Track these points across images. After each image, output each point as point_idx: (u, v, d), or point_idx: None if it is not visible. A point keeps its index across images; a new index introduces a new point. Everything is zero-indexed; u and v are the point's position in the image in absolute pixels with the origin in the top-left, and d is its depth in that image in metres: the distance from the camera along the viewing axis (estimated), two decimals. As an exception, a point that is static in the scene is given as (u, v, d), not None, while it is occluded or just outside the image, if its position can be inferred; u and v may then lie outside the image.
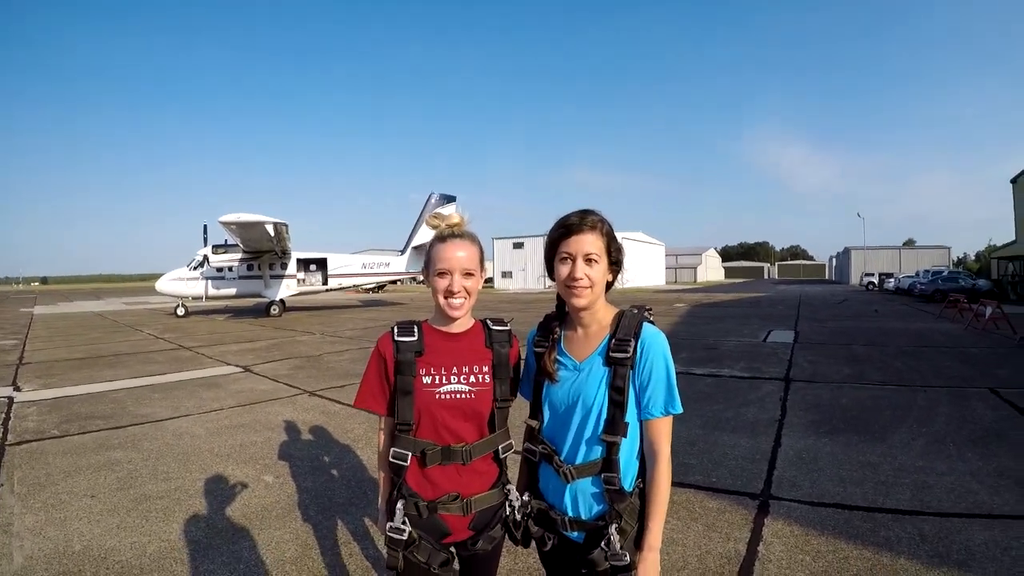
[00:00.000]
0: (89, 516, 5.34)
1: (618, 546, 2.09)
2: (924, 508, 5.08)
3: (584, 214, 2.21)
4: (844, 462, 6.26)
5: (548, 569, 2.46)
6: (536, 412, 2.37)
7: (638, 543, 2.15)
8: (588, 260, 2.16)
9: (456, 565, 2.39)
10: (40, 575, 4.31)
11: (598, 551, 2.12)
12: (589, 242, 2.16)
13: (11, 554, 4.63)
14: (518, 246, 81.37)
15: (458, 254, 2.29)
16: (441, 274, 2.29)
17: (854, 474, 5.90)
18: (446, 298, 2.29)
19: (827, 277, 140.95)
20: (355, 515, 5.24)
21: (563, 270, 2.19)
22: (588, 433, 2.18)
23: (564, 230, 2.20)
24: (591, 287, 2.17)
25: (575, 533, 2.25)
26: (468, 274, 2.31)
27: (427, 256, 2.39)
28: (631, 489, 2.19)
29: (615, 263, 2.25)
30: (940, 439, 6.99)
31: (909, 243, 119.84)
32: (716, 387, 10.40)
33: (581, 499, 2.22)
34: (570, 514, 2.24)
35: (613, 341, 2.18)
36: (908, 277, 51.80)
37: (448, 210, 2.57)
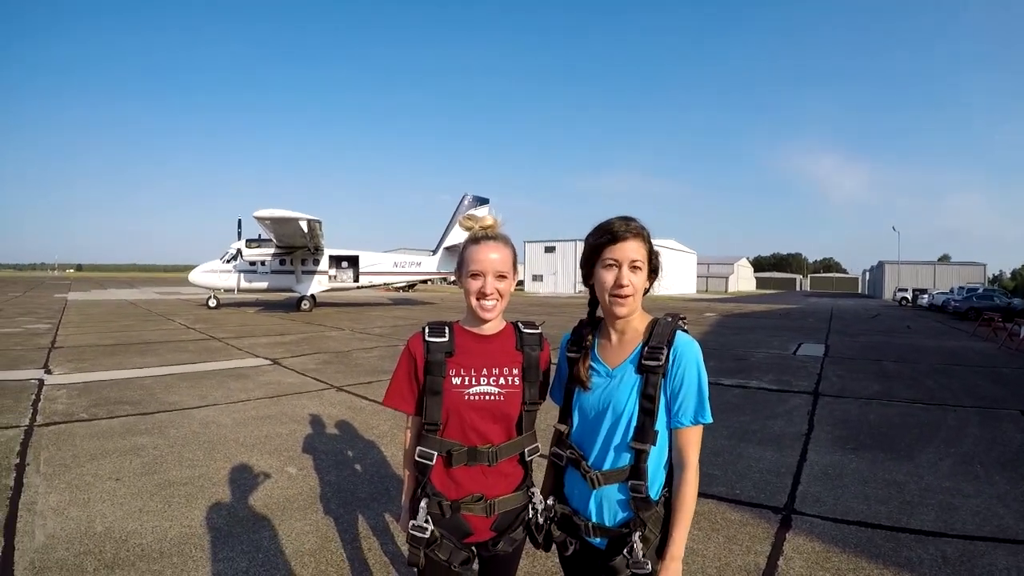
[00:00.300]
0: (113, 499, 5.42)
1: (640, 554, 2.08)
2: (948, 530, 5.01)
3: (627, 220, 2.20)
4: (869, 479, 6.19)
5: (568, 574, 2.46)
6: (566, 417, 2.37)
7: (660, 552, 2.14)
8: (633, 267, 2.16)
9: (476, 565, 2.41)
10: (61, 553, 4.37)
11: (620, 558, 2.11)
12: (634, 249, 2.16)
13: (33, 532, 4.71)
14: (550, 250, 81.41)
15: (491, 256, 2.29)
16: (474, 275, 2.29)
17: (879, 492, 5.84)
18: (479, 299, 2.29)
19: (860, 291, 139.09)
20: (376, 511, 5.27)
21: (608, 277, 2.18)
22: (617, 440, 2.18)
23: (610, 236, 2.18)
24: (634, 295, 2.17)
25: (598, 539, 2.24)
26: (501, 276, 2.31)
27: (460, 257, 2.40)
28: (657, 498, 2.18)
29: (653, 270, 2.25)
30: (968, 460, 6.89)
31: (944, 259, 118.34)
32: (744, 398, 10.33)
33: (606, 505, 2.21)
34: (594, 520, 2.24)
35: (646, 349, 2.17)
36: (942, 294, 51.18)
37: (482, 212, 2.59)
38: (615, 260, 2.16)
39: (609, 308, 2.22)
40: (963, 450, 7.32)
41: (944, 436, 7.97)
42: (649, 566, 2.09)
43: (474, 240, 2.36)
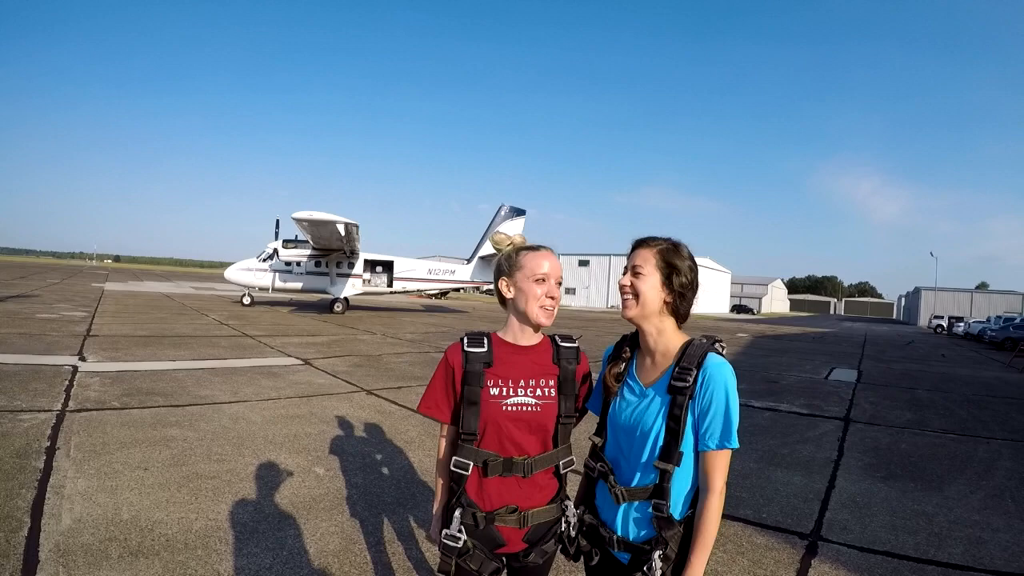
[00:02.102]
0: (140, 487, 5.49)
1: (659, 573, 2.08)
2: (976, 564, 4.93)
3: (653, 236, 2.29)
4: (898, 509, 6.10)
5: None
6: (601, 430, 2.41)
7: (679, 573, 2.14)
8: (635, 272, 2.23)
9: (505, 575, 2.43)
10: (86, 538, 4.43)
11: (639, 575, 2.13)
12: (640, 256, 2.24)
13: (60, 515, 4.78)
14: (583, 263, 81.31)
15: (556, 263, 2.37)
16: (540, 280, 2.33)
17: (908, 523, 5.75)
18: (541, 304, 2.33)
19: (895, 317, 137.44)
20: (402, 515, 5.29)
21: (620, 281, 2.31)
22: (644, 458, 2.19)
23: (631, 248, 2.31)
24: (635, 297, 2.23)
25: (622, 553, 2.26)
26: (559, 283, 2.38)
27: (513, 264, 2.41)
28: (680, 518, 2.17)
29: (669, 281, 2.23)
30: (999, 494, 6.77)
31: (982, 286, 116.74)
32: (773, 422, 10.23)
33: (632, 521, 2.23)
34: (619, 533, 2.26)
35: (676, 369, 2.19)
36: (978, 322, 50.37)
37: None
38: (624, 267, 2.29)
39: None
40: (994, 483, 7.20)
41: (976, 468, 7.84)
42: None
43: (532, 248, 2.41)
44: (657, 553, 2.11)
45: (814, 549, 5.09)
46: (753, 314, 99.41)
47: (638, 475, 2.21)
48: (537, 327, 2.38)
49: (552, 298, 2.34)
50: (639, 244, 2.28)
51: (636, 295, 2.22)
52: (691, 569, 2.09)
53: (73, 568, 4.00)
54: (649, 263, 2.22)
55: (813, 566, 4.76)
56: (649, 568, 2.10)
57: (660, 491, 2.15)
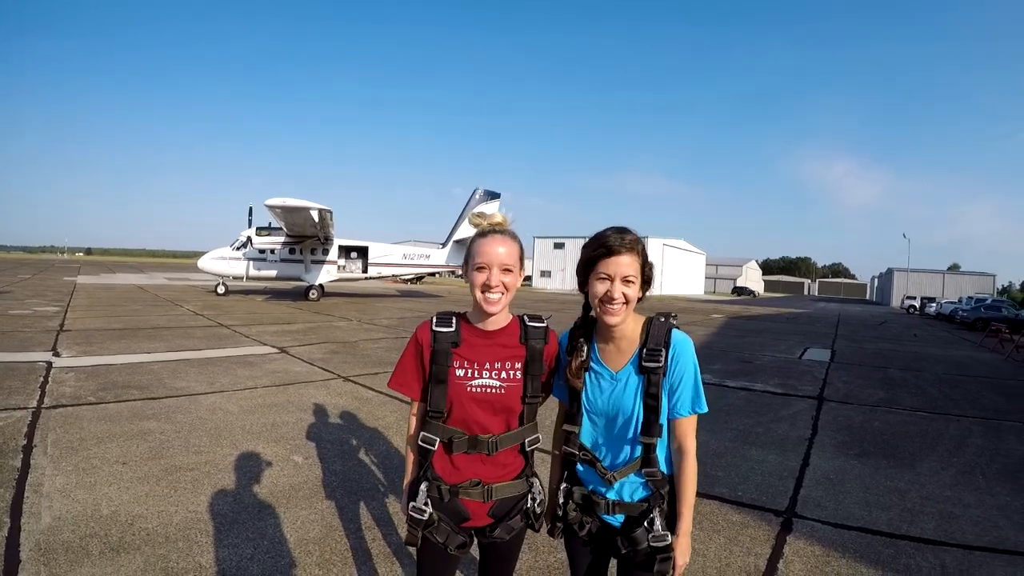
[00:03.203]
0: (119, 482, 5.46)
1: (660, 528, 2.23)
2: (948, 539, 5.03)
3: (622, 234, 2.24)
4: (871, 486, 6.21)
5: (575, 557, 2.52)
6: (573, 418, 2.42)
7: (671, 527, 2.29)
8: (626, 281, 2.22)
9: (476, 551, 2.49)
10: (67, 535, 4.41)
11: (640, 530, 2.24)
12: (627, 263, 2.21)
13: (40, 513, 4.75)
14: (559, 246, 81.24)
15: (498, 250, 2.31)
16: (480, 268, 2.31)
17: (880, 499, 5.86)
18: (483, 292, 2.31)
19: (868, 297, 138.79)
20: (381, 500, 5.32)
21: (600, 288, 2.24)
22: (629, 436, 2.29)
23: (604, 250, 2.23)
24: (626, 305, 2.23)
25: (617, 516, 2.35)
26: (507, 270, 2.33)
27: (467, 251, 2.42)
28: (669, 474, 2.35)
29: (647, 281, 2.30)
30: (970, 470, 6.91)
31: (954, 268, 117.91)
32: (748, 401, 10.34)
33: (625, 489, 2.35)
34: (613, 498, 2.35)
35: (644, 351, 2.26)
36: (950, 303, 50.98)
37: (491, 209, 2.62)
38: (607, 274, 2.22)
39: (600, 318, 2.30)
40: (965, 460, 7.34)
41: (947, 445, 7.98)
42: (668, 538, 2.24)
43: (481, 234, 2.38)
44: (657, 509, 2.27)
45: (789, 526, 5.17)
46: (754, 297, 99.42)
47: (624, 454, 2.31)
48: (488, 314, 2.37)
49: (491, 287, 2.30)
50: (619, 250, 2.21)
51: (626, 302, 2.23)
52: (683, 521, 2.30)
53: (55, 566, 3.98)
54: (635, 269, 2.22)
55: (788, 542, 4.84)
56: (651, 524, 2.24)
57: (648, 461, 2.28)
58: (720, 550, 4.63)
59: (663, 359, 2.23)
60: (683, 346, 2.28)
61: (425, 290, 51.40)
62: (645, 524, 2.25)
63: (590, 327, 2.44)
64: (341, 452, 6.58)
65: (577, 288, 2.41)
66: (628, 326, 2.32)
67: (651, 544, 2.22)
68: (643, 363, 2.25)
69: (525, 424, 2.42)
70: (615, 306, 2.22)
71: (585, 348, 2.40)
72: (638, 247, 2.24)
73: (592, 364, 2.38)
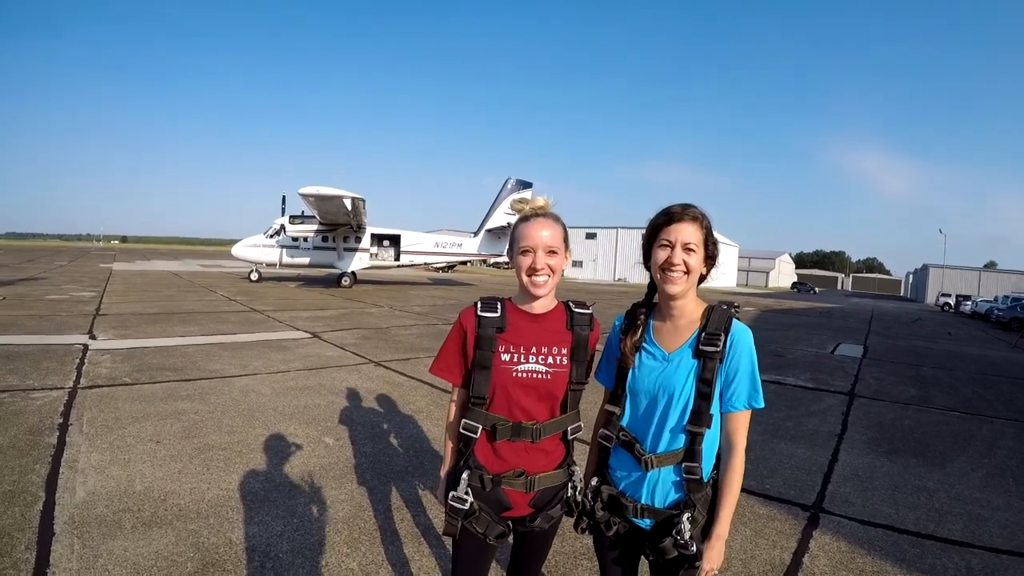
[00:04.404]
0: (152, 460, 5.60)
1: (688, 535, 2.15)
2: (975, 541, 4.97)
3: (686, 206, 2.26)
4: (900, 484, 6.16)
5: (604, 556, 2.50)
6: (616, 399, 2.41)
7: (705, 533, 2.23)
8: (687, 249, 2.22)
9: (511, 539, 2.48)
10: (101, 510, 4.53)
11: (669, 539, 2.19)
12: (689, 232, 2.22)
13: (74, 488, 4.89)
14: (590, 236, 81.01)
15: (542, 233, 2.33)
16: (524, 252, 2.33)
17: (909, 498, 5.81)
18: (529, 276, 2.32)
19: (902, 294, 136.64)
20: (410, 483, 5.38)
21: (661, 255, 2.25)
22: (672, 423, 2.24)
23: (667, 218, 2.26)
24: (687, 274, 2.23)
25: (645, 520, 2.30)
26: (552, 252, 2.34)
27: (512, 236, 2.44)
28: (707, 480, 2.26)
29: (711, 257, 2.30)
30: (1000, 472, 6.81)
31: (990, 265, 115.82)
32: (778, 395, 10.28)
33: (659, 487, 2.28)
34: (643, 501, 2.29)
35: (703, 335, 2.24)
36: (986, 301, 50.05)
37: (531, 194, 2.63)
38: (669, 241, 2.24)
39: (661, 286, 2.29)
40: (996, 462, 7.23)
41: (978, 447, 7.87)
42: (695, 547, 2.16)
43: (524, 218, 2.40)
44: (686, 515, 2.18)
45: (816, 520, 5.16)
46: (814, 293, 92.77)
47: (666, 440, 2.25)
48: (535, 297, 2.38)
49: (537, 270, 2.31)
50: (681, 217, 2.24)
51: (687, 271, 2.23)
52: (720, 525, 2.22)
53: (88, 539, 4.09)
54: (697, 238, 2.23)
55: (814, 537, 4.83)
56: (678, 531, 2.17)
57: (691, 454, 2.22)
58: (746, 542, 4.64)
59: (721, 344, 2.21)
60: (742, 336, 2.25)
61: (457, 278, 51.50)
62: (673, 533, 2.18)
63: (650, 308, 2.44)
64: (372, 435, 6.66)
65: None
66: (689, 305, 2.32)
67: (679, 552, 2.17)
68: (700, 346, 2.22)
69: (568, 411, 2.42)
70: (675, 273, 2.22)
71: (640, 324, 2.40)
72: (701, 219, 2.25)
73: (644, 344, 2.37)
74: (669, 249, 2.23)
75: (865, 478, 6.29)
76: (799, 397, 10.26)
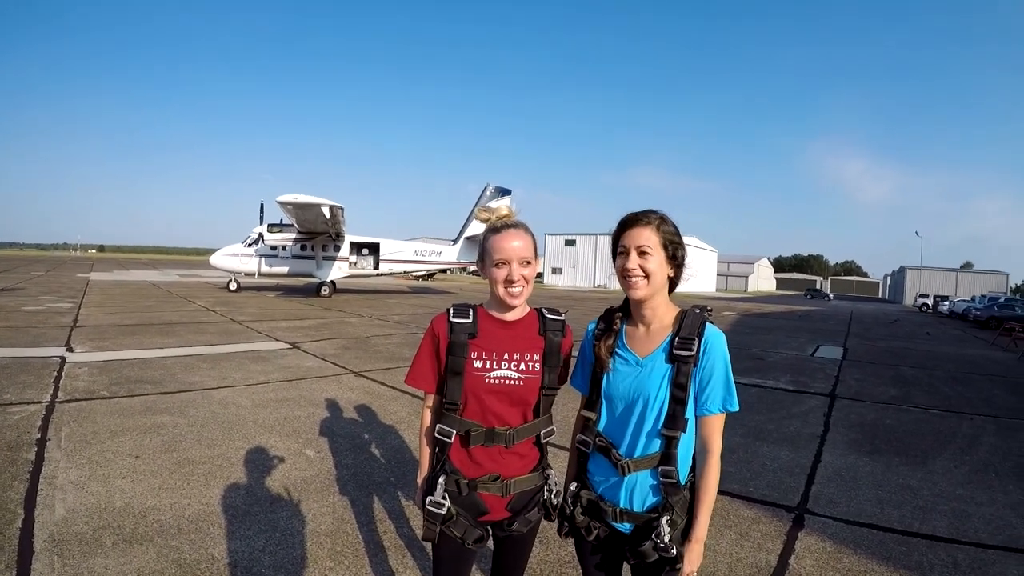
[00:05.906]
0: (132, 475, 5.50)
1: (667, 538, 2.15)
2: (960, 537, 5.01)
3: (644, 211, 2.28)
4: (883, 483, 6.19)
5: (586, 562, 2.49)
6: (592, 405, 2.40)
7: (685, 535, 2.23)
8: (641, 253, 2.22)
9: (491, 544, 2.47)
10: (80, 527, 4.44)
11: (648, 543, 2.18)
12: (644, 236, 2.23)
13: (53, 505, 4.79)
14: (570, 243, 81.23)
15: (515, 244, 2.32)
16: (499, 264, 2.32)
17: (892, 496, 5.84)
18: (506, 287, 2.32)
19: (880, 295, 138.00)
20: (393, 494, 5.34)
21: (619, 262, 2.28)
22: (648, 427, 2.23)
23: (621, 226, 2.29)
24: (646, 278, 2.22)
25: (625, 524, 2.30)
26: (525, 262, 2.34)
27: (482, 248, 2.43)
28: (684, 483, 2.26)
29: (673, 258, 2.28)
30: (983, 469, 6.87)
31: (967, 266, 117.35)
32: (760, 398, 10.33)
33: (636, 491, 2.27)
34: (622, 506, 2.29)
35: (677, 339, 2.23)
36: (963, 301, 50.67)
37: (497, 203, 2.62)
38: (624, 247, 2.27)
39: (626, 292, 2.31)
40: (978, 458, 7.30)
41: (959, 444, 7.95)
42: (675, 550, 2.17)
43: (495, 230, 2.38)
44: (665, 519, 2.18)
45: (801, 522, 5.17)
46: (828, 300, 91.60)
47: (642, 444, 2.25)
48: (510, 307, 2.39)
49: (511, 282, 2.32)
50: (634, 223, 2.27)
51: (647, 275, 2.22)
52: (699, 528, 2.22)
53: (68, 557, 4.01)
54: (652, 241, 2.23)
55: (800, 538, 4.83)
56: (657, 535, 2.17)
57: (667, 458, 2.22)
58: (731, 545, 4.63)
59: (695, 348, 2.20)
60: (716, 339, 2.24)
61: (437, 287, 51.31)
62: (652, 536, 2.19)
63: (625, 313, 2.44)
64: (353, 446, 6.60)
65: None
66: (660, 310, 2.32)
67: (659, 555, 2.17)
68: (674, 351, 2.22)
69: (541, 416, 2.42)
70: (634, 278, 2.23)
71: (615, 329, 2.40)
72: (657, 223, 2.25)
73: (617, 349, 2.36)
74: (625, 255, 2.25)
75: (848, 478, 6.31)
76: (780, 400, 10.30)
